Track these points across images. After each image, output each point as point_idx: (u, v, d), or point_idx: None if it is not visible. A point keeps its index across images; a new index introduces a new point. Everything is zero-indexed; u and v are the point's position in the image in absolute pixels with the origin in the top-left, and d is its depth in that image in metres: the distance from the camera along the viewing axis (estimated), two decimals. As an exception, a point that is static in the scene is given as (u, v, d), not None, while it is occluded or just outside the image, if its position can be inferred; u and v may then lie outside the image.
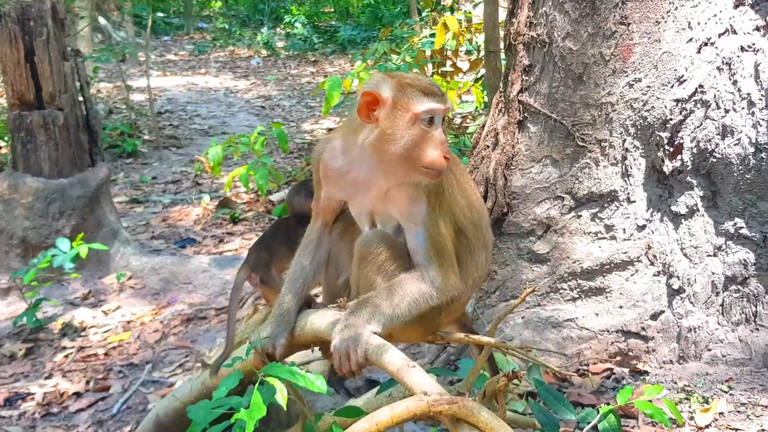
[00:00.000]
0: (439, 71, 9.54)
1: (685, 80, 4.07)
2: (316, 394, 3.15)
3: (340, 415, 2.59)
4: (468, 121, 9.82)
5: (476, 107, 9.03)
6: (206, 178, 8.82)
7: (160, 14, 22.41)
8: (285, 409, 2.20)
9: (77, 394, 4.59)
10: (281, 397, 2.12)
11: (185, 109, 12.59)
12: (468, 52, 9.79)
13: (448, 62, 9.71)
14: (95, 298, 5.68)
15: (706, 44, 4.09)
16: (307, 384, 2.18)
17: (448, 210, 2.68)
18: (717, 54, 4.10)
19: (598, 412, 2.51)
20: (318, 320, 2.57)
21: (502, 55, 7.18)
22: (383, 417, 1.96)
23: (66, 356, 5.00)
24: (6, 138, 9.28)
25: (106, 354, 5.02)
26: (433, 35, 9.10)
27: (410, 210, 2.62)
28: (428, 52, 9.52)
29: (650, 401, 2.54)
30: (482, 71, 8.51)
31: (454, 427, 1.93)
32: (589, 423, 2.50)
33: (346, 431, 1.95)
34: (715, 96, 4.10)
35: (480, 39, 8.99)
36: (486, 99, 7.73)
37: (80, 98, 6.00)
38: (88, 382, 4.69)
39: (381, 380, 3.70)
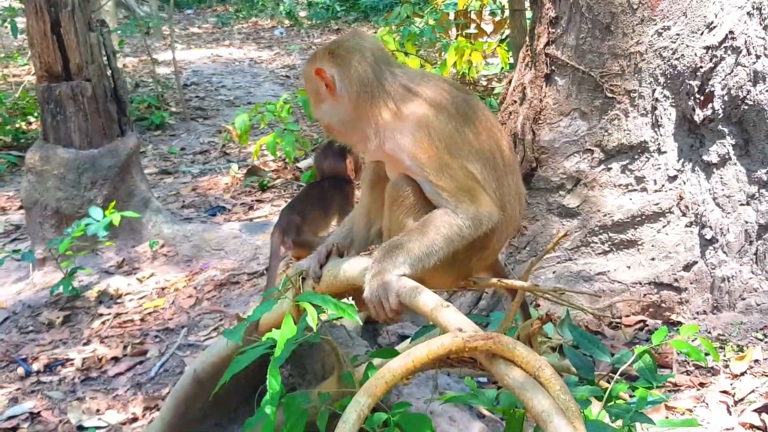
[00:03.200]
0: (463, 33, 9.47)
1: (714, 26, 4.01)
2: (350, 346, 3.18)
3: (375, 357, 2.61)
4: (494, 82, 9.75)
5: (502, 68, 8.96)
6: (234, 147, 8.86)
7: (183, -12, 22.38)
8: (317, 336, 2.23)
9: (115, 359, 4.67)
10: (311, 319, 2.16)
11: (210, 81, 12.61)
12: (492, 13, 9.70)
13: (472, 24, 9.63)
14: (129, 266, 5.75)
15: (735, -11, 4.02)
16: (338, 311, 2.21)
17: (447, 162, 2.64)
18: (747, -1, 4.03)
19: (633, 354, 2.52)
20: (350, 267, 2.59)
21: (527, 14, 7.10)
22: (419, 353, 1.97)
23: (103, 323, 5.08)
24: (36, 114, 9.39)
25: (142, 320, 5.10)
26: (456, -3, 9.02)
27: (406, 165, 2.65)
28: (452, 15, 9.44)
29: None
30: (507, 32, 8.43)
31: (490, 363, 1.94)
32: (624, 365, 2.50)
33: (383, 367, 1.97)
34: (745, 42, 4.04)
35: (504, -1, 8.90)
36: (511, 60, 7.65)
37: (107, 69, 6.02)
38: (125, 347, 4.76)
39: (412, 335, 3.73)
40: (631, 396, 2.61)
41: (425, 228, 2.55)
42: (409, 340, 2.90)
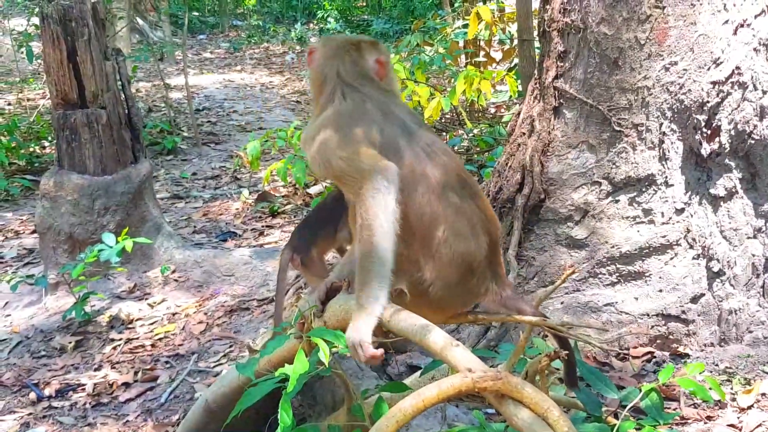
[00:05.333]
0: (473, 62, 9.56)
1: (721, 62, 4.06)
2: (360, 378, 3.22)
3: (385, 391, 2.65)
4: (502, 110, 9.83)
5: (510, 96, 9.04)
6: (245, 172, 8.94)
7: (196, 13, 22.63)
8: (328, 369, 2.27)
9: (126, 385, 4.70)
10: (323, 354, 2.20)
11: (222, 106, 12.73)
12: (501, 42, 9.79)
13: (482, 52, 9.72)
14: (141, 292, 5.80)
15: (742, 25, 4.07)
16: (346, 348, 2.25)
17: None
18: (753, 35, 4.09)
19: (641, 391, 2.54)
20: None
21: (536, 44, 7.18)
22: (429, 393, 2.01)
23: (114, 348, 5.13)
24: (50, 138, 9.50)
25: (152, 345, 5.14)
26: (466, 26, 9.12)
27: None
28: (461, 43, 9.54)
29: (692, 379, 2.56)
30: (516, 60, 8.51)
31: (499, 403, 1.98)
32: (631, 401, 2.52)
33: (394, 407, 2.01)
34: (752, 77, 4.09)
35: (513, 28, 8.98)
36: (520, 88, 7.73)
37: (122, 96, 6.12)
38: (136, 373, 4.80)
39: (422, 365, 3.76)
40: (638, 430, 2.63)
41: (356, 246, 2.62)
42: (419, 373, 2.93)
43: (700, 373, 2.83)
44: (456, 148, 8.47)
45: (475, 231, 2.74)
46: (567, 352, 2.49)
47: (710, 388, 2.64)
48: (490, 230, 2.82)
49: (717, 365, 4.05)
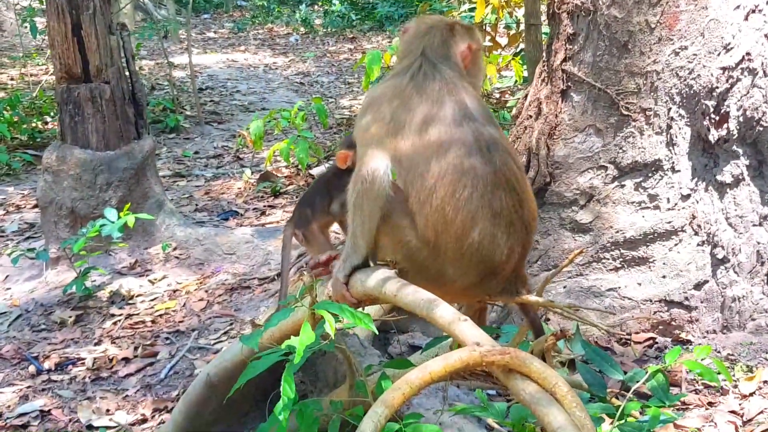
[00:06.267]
0: (479, 46, 9.49)
1: (732, 48, 4.03)
2: (362, 355, 3.21)
3: (389, 368, 2.63)
4: (507, 95, 9.79)
5: (516, 81, 8.98)
6: (247, 152, 8.91)
7: (200, -8, 22.50)
8: (332, 345, 2.27)
9: (126, 360, 4.70)
10: (329, 327, 2.18)
11: (225, 86, 12.69)
12: (507, 27, 9.73)
13: (488, 37, 9.66)
14: (142, 268, 5.79)
15: (753, 11, 4.04)
16: (355, 320, 2.23)
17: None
18: (765, 21, 4.06)
19: (646, 373, 2.53)
20: (367, 278, 2.60)
21: (543, 29, 7.14)
22: (436, 366, 1.99)
23: (114, 323, 5.12)
24: (52, 113, 9.47)
25: (153, 321, 5.13)
26: (472, 9, 9.05)
27: None
28: (467, 27, 9.46)
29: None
30: (521, 45, 8.46)
31: (506, 377, 1.97)
32: (637, 383, 2.51)
33: (401, 379, 1.99)
34: (762, 63, 4.06)
35: (520, 12, 8.93)
36: (526, 73, 7.68)
37: (126, 72, 6.08)
38: (136, 348, 4.80)
39: (424, 346, 3.75)
40: (641, 413, 2.62)
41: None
42: (420, 351, 2.92)
43: (702, 360, 2.81)
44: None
45: (510, 239, 2.66)
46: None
47: (718, 372, 2.63)
48: (525, 241, 2.76)
49: (719, 352, 4.04)
